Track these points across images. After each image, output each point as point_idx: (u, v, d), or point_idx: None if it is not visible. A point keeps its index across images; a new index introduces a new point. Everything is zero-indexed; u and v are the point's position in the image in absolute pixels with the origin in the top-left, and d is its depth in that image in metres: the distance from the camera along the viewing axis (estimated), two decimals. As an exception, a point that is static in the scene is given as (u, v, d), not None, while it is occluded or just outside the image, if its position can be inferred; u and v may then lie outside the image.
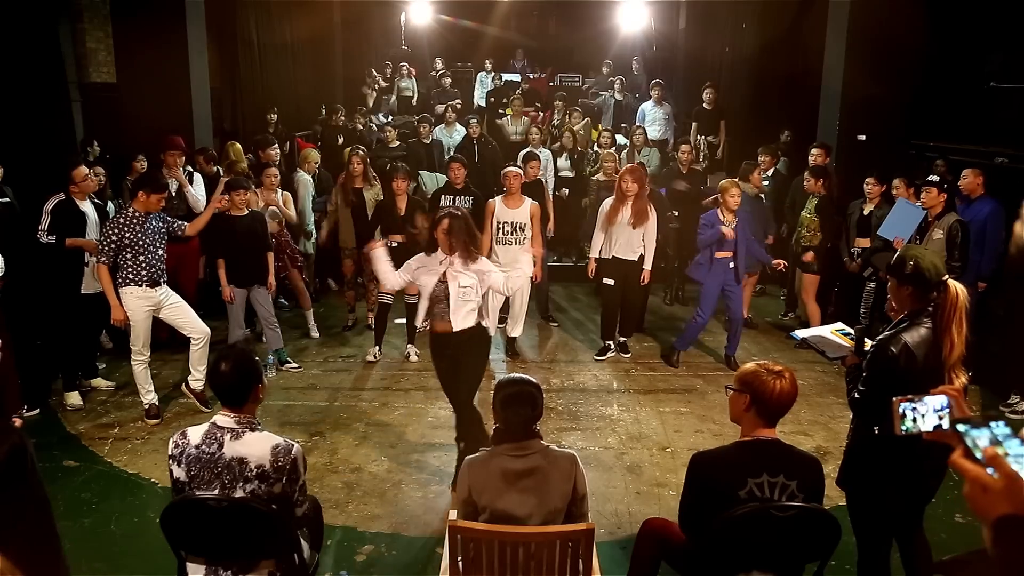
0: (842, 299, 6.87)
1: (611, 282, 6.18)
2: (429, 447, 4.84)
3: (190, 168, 6.72)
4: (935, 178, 5.57)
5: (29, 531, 1.81)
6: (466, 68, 13.09)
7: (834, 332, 3.35)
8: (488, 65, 12.73)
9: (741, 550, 2.54)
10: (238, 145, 7.51)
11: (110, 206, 6.07)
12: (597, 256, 6.20)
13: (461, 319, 4.14)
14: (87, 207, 5.29)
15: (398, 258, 6.00)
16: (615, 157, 7.52)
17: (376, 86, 11.61)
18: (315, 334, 6.72)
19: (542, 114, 11.31)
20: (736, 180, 6.12)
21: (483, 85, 12.51)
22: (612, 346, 6.45)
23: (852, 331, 3.26)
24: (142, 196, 4.91)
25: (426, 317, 4.28)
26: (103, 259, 4.84)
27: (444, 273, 4.12)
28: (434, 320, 4.23)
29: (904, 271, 2.82)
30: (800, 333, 3.46)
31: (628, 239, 6.07)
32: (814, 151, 7.10)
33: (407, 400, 5.53)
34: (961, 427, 1.31)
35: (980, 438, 1.28)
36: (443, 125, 9.52)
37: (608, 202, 6.12)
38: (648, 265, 6.13)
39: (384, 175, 6.78)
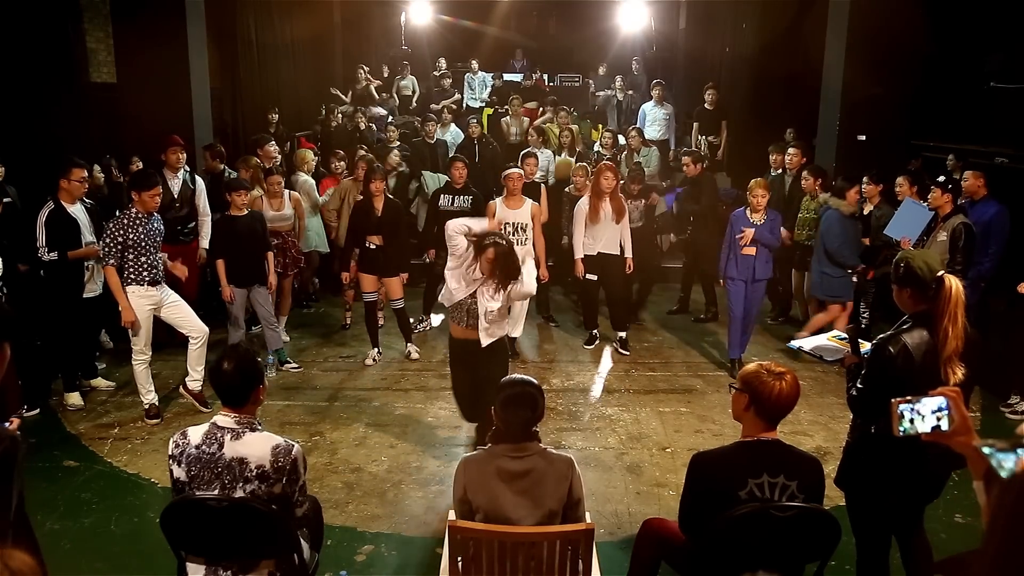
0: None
1: (594, 278, 6.36)
2: (429, 447, 4.84)
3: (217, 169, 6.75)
4: (941, 178, 5.53)
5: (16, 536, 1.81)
6: (467, 68, 13.06)
7: (831, 339, 3.39)
8: (474, 65, 12.58)
9: (741, 550, 2.53)
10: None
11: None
12: (582, 255, 6.31)
13: (488, 338, 4.25)
14: (77, 210, 5.25)
15: (374, 261, 6.00)
16: (586, 171, 7.19)
17: (365, 81, 11.50)
18: (285, 338, 6.48)
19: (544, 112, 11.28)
20: (761, 180, 6.04)
21: (471, 87, 12.45)
22: (597, 333, 6.68)
23: (847, 334, 3.29)
24: (135, 196, 4.93)
25: (453, 311, 4.31)
26: (110, 261, 4.85)
27: (476, 291, 4.19)
28: (457, 324, 4.28)
29: (898, 274, 2.87)
30: (797, 342, 3.49)
31: (612, 234, 6.27)
32: (790, 151, 7.07)
33: (407, 400, 5.53)
34: (987, 449, 1.32)
35: (1007, 460, 1.29)
36: (439, 124, 9.55)
37: (585, 201, 6.26)
38: (629, 254, 6.36)
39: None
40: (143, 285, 4.95)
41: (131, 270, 4.91)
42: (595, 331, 6.68)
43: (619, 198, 6.27)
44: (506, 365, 4.51)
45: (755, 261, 5.86)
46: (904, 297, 2.89)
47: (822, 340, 3.44)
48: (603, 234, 6.26)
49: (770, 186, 7.10)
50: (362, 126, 9.57)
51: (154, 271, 4.99)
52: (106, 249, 4.86)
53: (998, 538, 1.17)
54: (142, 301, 4.96)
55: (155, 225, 5.03)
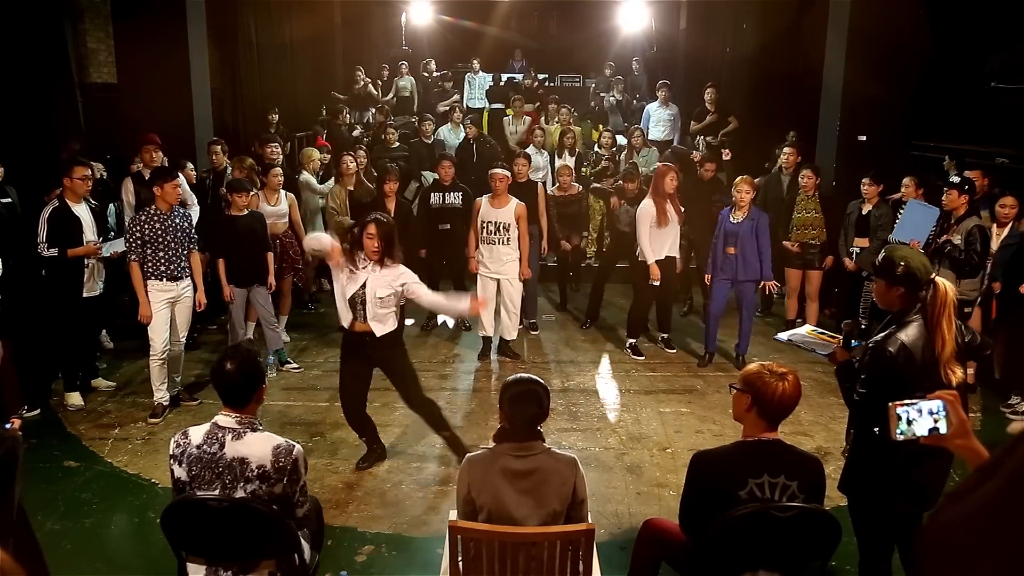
0: (842, 299, 6.86)
1: (657, 283, 6.20)
2: (429, 447, 4.84)
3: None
4: (956, 179, 5.48)
5: (16, 535, 1.82)
6: (467, 68, 13.05)
7: (810, 332, 3.45)
8: (475, 65, 12.53)
9: (741, 550, 2.54)
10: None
11: (111, 209, 6.06)
12: (653, 260, 6.11)
13: (381, 327, 4.25)
14: (81, 210, 5.25)
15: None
16: (571, 171, 7.26)
17: (363, 82, 11.50)
18: (285, 338, 6.50)
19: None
20: (747, 177, 6.02)
21: (472, 87, 12.44)
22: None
23: (827, 331, 3.40)
24: (158, 191, 5.03)
25: (351, 319, 4.28)
26: (133, 257, 4.98)
27: (365, 280, 4.18)
28: (353, 321, 4.28)
29: (895, 272, 2.80)
30: (783, 335, 3.53)
31: (675, 235, 6.25)
32: (786, 150, 7.06)
33: (407, 400, 5.52)
34: None
35: None
36: (449, 125, 9.56)
37: (650, 205, 6.05)
38: (676, 254, 6.34)
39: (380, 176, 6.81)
40: (162, 280, 5.05)
41: (149, 264, 5.02)
42: (634, 340, 6.51)
43: (676, 200, 6.19)
44: (407, 355, 4.55)
45: (737, 261, 5.88)
46: (892, 295, 2.85)
47: (802, 332, 3.50)
48: (669, 237, 6.15)
49: (767, 185, 7.13)
50: (356, 132, 9.58)
51: (172, 267, 5.07)
52: (128, 245, 5.00)
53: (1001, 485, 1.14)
54: (159, 295, 5.05)
55: (177, 221, 5.11)
